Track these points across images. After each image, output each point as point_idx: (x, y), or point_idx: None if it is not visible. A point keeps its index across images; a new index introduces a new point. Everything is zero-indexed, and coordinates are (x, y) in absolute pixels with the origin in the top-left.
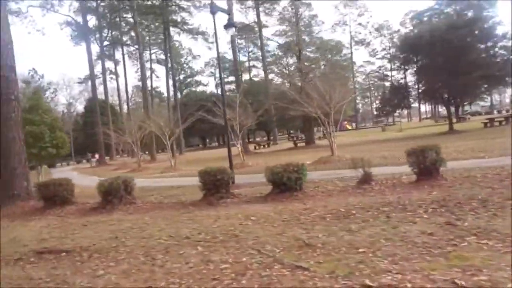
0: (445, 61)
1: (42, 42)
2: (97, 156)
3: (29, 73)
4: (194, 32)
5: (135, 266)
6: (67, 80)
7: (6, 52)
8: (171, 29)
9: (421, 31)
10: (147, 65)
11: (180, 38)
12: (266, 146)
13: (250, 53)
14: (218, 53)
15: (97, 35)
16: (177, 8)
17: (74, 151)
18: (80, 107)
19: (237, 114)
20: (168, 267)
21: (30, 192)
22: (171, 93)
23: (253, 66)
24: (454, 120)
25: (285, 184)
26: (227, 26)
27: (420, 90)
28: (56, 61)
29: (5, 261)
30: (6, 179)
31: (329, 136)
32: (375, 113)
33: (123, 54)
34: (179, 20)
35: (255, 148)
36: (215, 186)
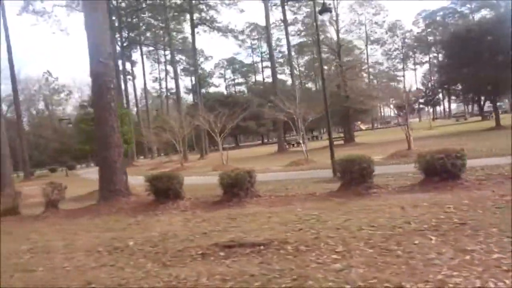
0: (488, 56)
1: (55, 44)
2: None
3: (43, 75)
4: (223, 30)
5: (372, 257)
6: (78, 83)
7: (105, 38)
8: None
9: (458, 29)
10: (160, 66)
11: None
12: (295, 145)
13: (263, 54)
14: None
15: (117, 36)
16: (204, 7)
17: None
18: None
19: (297, 107)
20: (420, 257)
21: (128, 187)
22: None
23: (266, 66)
24: (479, 117)
25: (447, 171)
26: (322, 11)
27: (449, 88)
28: (68, 64)
29: (182, 257)
30: (106, 173)
31: (407, 128)
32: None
33: (141, 55)
34: (207, 18)
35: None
36: (361, 175)
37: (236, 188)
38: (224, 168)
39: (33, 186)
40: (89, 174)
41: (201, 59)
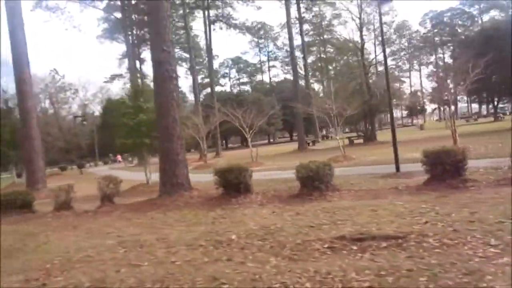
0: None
1: (61, 41)
2: (119, 157)
3: (50, 73)
4: (240, 27)
5: None
6: (83, 82)
7: (167, 25)
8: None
9: (486, 28)
10: None
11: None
12: (311, 144)
13: (270, 53)
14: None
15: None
16: (220, 3)
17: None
18: (94, 109)
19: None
20: None
21: (189, 181)
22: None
23: (273, 66)
24: (488, 118)
25: None
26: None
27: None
28: (73, 62)
29: (307, 251)
30: (168, 166)
31: (452, 124)
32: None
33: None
34: (224, 14)
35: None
36: (456, 168)
37: (317, 181)
38: (254, 165)
39: (50, 184)
40: (103, 172)
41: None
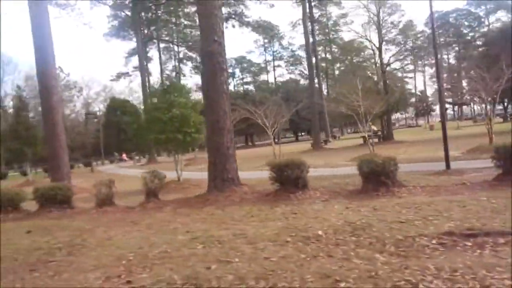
0: None
1: (66, 40)
2: (124, 156)
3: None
4: (254, 25)
5: None
6: (86, 80)
7: (218, 15)
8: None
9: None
10: (169, 62)
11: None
12: (323, 143)
13: (275, 53)
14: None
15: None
16: (233, 0)
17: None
18: (97, 108)
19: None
20: None
21: (238, 176)
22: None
23: (278, 66)
24: (501, 119)
25: None
26: None
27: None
28: (77, 61)
29: (414, 247)
30: (219, 160)
31: (489, 122)
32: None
33: (159, 51)
34: (238, 12)
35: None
36: None
37: (383, 176)
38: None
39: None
40: (112, 170)
41: None
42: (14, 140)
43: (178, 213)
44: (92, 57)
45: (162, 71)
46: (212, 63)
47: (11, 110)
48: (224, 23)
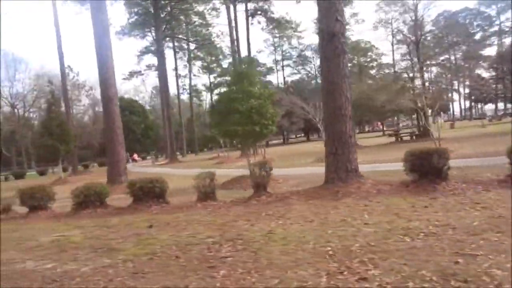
0: None
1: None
2: (135, 156)
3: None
4: (280, 21)
5: None
6: (92, 81)
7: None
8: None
9: None
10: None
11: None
12: None
13: (284, 52)
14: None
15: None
16: None
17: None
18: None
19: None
20: None
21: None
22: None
23: (288, 65)
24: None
25: None
26: None
27: None
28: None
29: None
30: (341, 150)
31: None
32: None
33: (174, 49)
34: (263, 8)
35: None
36: None
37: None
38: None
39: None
40: (136, 169)
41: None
42: (47, 136)
43: (319, 205)
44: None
45: (176, 69)
46: (334, 44)
47: (21, 109)
48: (250, 19)
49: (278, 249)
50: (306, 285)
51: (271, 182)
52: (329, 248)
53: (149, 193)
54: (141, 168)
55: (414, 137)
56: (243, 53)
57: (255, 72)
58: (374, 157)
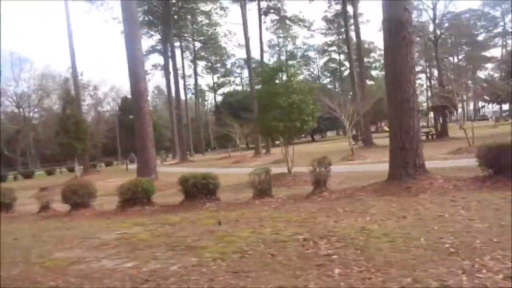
0: None
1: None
2: None
3: (68, 69)
4: (293, 20)
5: None
6: (96, 80)
7: None
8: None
9: None
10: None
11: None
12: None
13: (288, 53)
14: None
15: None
16: None
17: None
18: (106, 107)
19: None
20: None
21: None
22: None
23: (292, 65)
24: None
25: None
26: None
27: None
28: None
29: None
30: (409, 144)
31: None
32: None
33: (181, 48)
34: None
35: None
36: None
37: None
38: (362, 157)
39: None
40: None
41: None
42: (63, 134)
43: (397, 202)
44: (102, 56)
45: (184, 69)
46: (402, 34)
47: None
48: (263, 17)
49: (386, 246)
50: (448, 285)
51: (300, 181)
52: (448, 245)
53: (202, 190)
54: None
55: (430, 136)
56: (253, 53)
57: (294, 65)
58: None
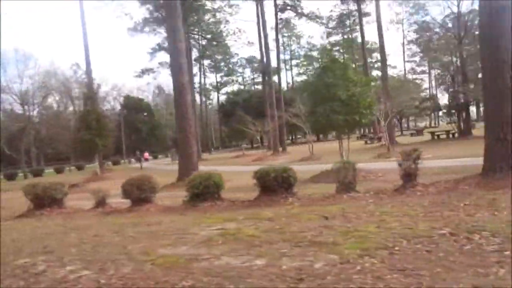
0: None
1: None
2: (146, 155)
3: (71, 67)
4: (310, 16)
5: None
6: (99, 79)
7: None
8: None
9: None
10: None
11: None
12: (369, 141)
13: (292, 52)
14: None
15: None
16: None
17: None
18: (107, 106)
19: None
20: None
21: None
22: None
23: (296, 65)
24: None
25: None
26: None
27: None
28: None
29: None
30: (510, 136)
31: None
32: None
33: (189, 47)
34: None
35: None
36: None
37: None
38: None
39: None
40: (159, 167)
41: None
42: (84, 131)
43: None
44: (102, 56)
45: (191, 67)
46: (496, 24)
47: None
48: (279, 14)
49: None
50: None
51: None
52: None
53: (283, 184)
54: (164, 166)
55: (452, 135)
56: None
57: (350, 57)
58: (441, 152)
